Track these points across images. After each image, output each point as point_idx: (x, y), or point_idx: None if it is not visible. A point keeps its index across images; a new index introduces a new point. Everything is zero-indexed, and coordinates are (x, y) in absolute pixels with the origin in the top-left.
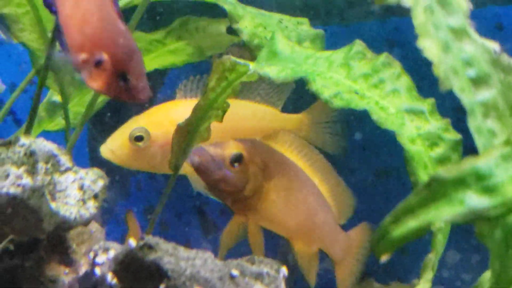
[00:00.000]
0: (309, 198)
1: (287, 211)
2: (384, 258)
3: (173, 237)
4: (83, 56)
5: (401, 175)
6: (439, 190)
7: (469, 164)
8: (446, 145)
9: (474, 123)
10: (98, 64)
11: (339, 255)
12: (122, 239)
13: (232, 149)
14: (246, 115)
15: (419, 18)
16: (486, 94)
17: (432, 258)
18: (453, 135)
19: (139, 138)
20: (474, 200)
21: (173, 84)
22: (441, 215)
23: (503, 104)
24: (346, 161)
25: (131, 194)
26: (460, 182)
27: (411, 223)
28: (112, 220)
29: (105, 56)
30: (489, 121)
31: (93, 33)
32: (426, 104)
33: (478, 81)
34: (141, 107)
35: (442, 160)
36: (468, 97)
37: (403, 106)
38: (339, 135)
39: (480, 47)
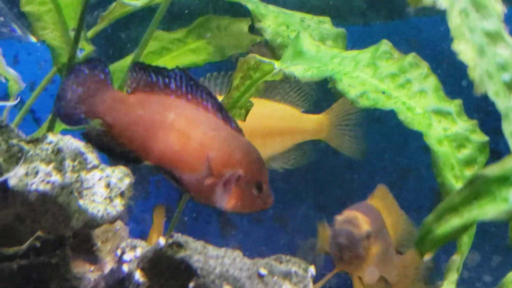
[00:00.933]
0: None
1: (384, 265)
2: (427, 256)
3: (191, 237)
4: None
5: (422, 176)
6: (482, 188)
7: None
8: (473, 146)
9: (509, 127)
10: (237, 180)
11: (394, 278)
12: (141, 238)
13: (365, 226)
14: (265, 114)
15: (454, 21)
16: None
17: (457, 260)
18: (481, 137)
19: None
20: None
21: None
22: (485, 213)
23: None
24: (368, 161)
25: (150, 193)
26: (504, 180)
27: (455, 221)
28: (131, 219)
29: (241, 171)
30: None
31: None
32: (453, 105)
33: None
34: None
35: (469, 162)
36: (503, 102)
37: (430, 106)
38: (358, 138)
39: None
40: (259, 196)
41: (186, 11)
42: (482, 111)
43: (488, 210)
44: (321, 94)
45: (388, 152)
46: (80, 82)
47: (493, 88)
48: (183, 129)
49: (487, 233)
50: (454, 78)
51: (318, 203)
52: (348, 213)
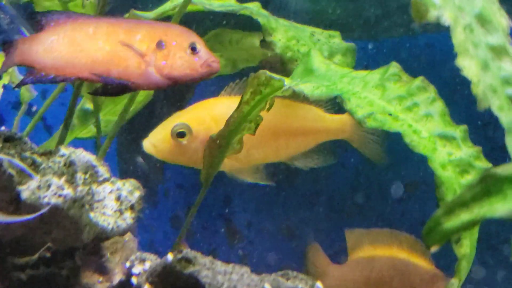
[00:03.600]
0: None
1: None
2: (434, 249)
3: (199, 246)
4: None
5: (428, 190)
6: (493, 186)
7: None
8: (476, 173)
9: None
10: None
11: None
12: (149, 248)
13: None
14: (289, 114)
15: (458, 37)
16: None
17: (455, 284)
18: (484, 164)
19: (181, 134)
20: None
21: (204, 95)
22: (495, 210)
23: None
24: (375, 174)
25: (159, 202)
26: None
27: (464, 216)
28: (139, 227)
29: (163, 37)
30: None
31: None
32: (459, 131)
33: None
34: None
35: None
36: (507, 116)
37: (436, 131)
38: (380, 142)
39: None
40: (196, 56)
41: (198, 24)
42: (491, 126)
43: (498, 208)
44: None
45: (395, 165)
46: None
47: (497, 103)
48: (105, 33)
49: (492, 248)
50: (462, 95)
51: (325, 213)
52: None
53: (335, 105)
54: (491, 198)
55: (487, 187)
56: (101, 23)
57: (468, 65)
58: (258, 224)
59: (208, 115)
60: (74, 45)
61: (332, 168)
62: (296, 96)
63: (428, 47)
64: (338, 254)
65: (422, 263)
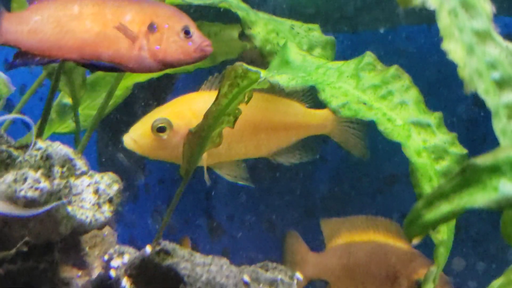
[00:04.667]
0: None
1: None
2: (415, 241)
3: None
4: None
5: (409, 183)
6: (473, 176)
7: (505, 152)
8: (451, 159)
9: (499, 125)
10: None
11: None
12: (129, 242)
13: None
14: (270, 109)
15: (443, 21)
16: (510, 96)
17: (434, 271)
18: (459, 149)
19: (161, 129)
20: (508, 187)
21: (183, 89)
22: (475, 201)
23: None
24: (355, 167)
25: (139, 197)
26: (495, 170)
27: (444, 208)
28: (120, 223)
29: (155, 19)
30: None
31: None
32: (433, 118)
33: (503, 84)
34: (148, 110)
35: (447, 174)
36: (493, 99)
37: (410, 118)
38: (362, 136)
39: (504, 50)
40: (190, 40)
41: None
42: (469, 119)
43: (478, 198)
44: None
45: (375, 158)
46: None
47: (483, 86)
48: (92, 13)
49: (473, 240)
50: (441, 86)
51: (306, 208)
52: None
53: (317, 100)
54: (470, 188)
55: (467, 178)
56: (86, 2)
57: (454, 49)
58: (239, 217)
59: (189, 109)
60: (60, 26)
61: (312, 161)
62: (278, 91)
63: (408, 40)
64: (320, 246)
65: (399, 244)
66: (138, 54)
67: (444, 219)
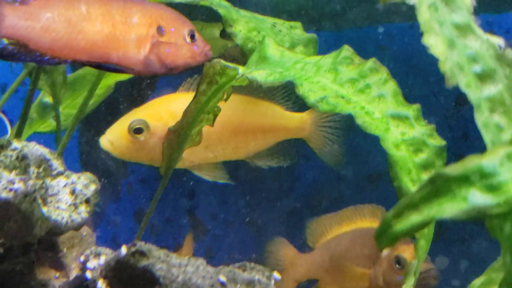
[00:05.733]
0: None
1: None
2: (385, 251)
3: (163, 241)
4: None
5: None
6: (443, 186)
7: (474, 162)
8: (430, 151)
9: (481, 118)
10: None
11: None
12: (112, 242)
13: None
14: (248, 111)
15: (423, 16)
16: (492, 89)
17: (414, 264)
18: (438, 141)
19: (138, 130)
20: (477, 197)
21: (165, 88)
22: (444, 211)
23: (510, 99)
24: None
25: (122, 197)
26: (464, 180)
27: (414, 218)
28: (102, 223)
29: (161, 23)
30: (496, 116)
31: None
32: (412, 110)
33: (484, 77)
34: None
35: (426, 166)
36: (475, 93)
37: (388, 111)
38: (338, 142)
39: (485, 43)
40: (195, 44)
41: None
42: (450, 116)
43: (447, 208)
44: None
45: (358, 157)
46: None
47: (464, 80)
48: (100, 13)
49: (455, 238)
50: (424, 83)
51: (290, 208)
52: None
53: (296, 102)
54: (440, 199)
55: (436, 187)
56: (92, 1)
57: (434, 43)
58: (222, 217)
59: (166, 111)
60: (71, 26)
61: (296, 161)
62: (257, 93)
63: (389, 37)
64: (303, 246)
65: None
66: (146, 57)
67: (414, 229)
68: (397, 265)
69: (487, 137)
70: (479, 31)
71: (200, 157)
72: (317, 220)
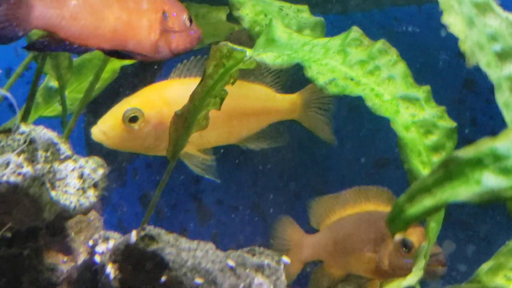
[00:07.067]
0: None
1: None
2: (398, 236)
3: (169, 225)
4: None
5: (399, 166)
6: (455, 169)
7: (487, 145)
8: (440, 132)
9: (501, 98)
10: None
11: None
12: (118, 227)
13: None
14: (240, 95)
15: None
16: None
17: (425, 247)
18: (448, 123)
19: (133, 119)
20: (491, 180)
21: (169, 73)
22: (458, 194)
23: None
24: (345, 151)
25: (127, 181)
26: (478, 162)
27: (427, 202)
28: (108, 207)
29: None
30: None
31: None
32: (422, 92)
33: (504, 56)
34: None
35: (436, 148)
36: (495, 72)
37: (398, 93)
38: (330, 121)
39: (505, 21)
40: (191, 28)
41: None
42: (458, 100)
43: (461, 191)
44: (297, 75)
45: (365, 141)
46: None
47: (484, 59)
48: (119, 1)
49: (462, 223)
50: (430, 67)
51: (294, 191)
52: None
53: (286, 85)
54: (453, 182)
55: (449, 171)
56: None
57: (453, 22)
58: (228, 202)
59: (159, 98)
60: (96, 13)
61: (301, 145)
62: (247, 76)
63: (397, 21)
64: (309, 231)
65: (388, 209)
66: (156, 42)
67: (427, 213)
68: (404, 249)
69: (508, 117)
70: (498, 9)
71: (195, 143)
72: (319, 200)
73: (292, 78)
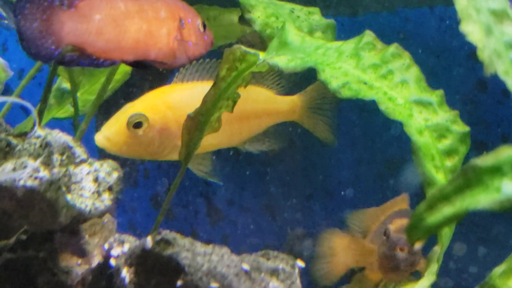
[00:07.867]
0: None
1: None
2: (418, 245)
3: (179, 226)
4: None
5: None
6: (475, 177)
7: (506, 152)
8: (454, 137)
9: None
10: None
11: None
12: (129, 228)
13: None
14: (242, 97)
15: (461, 3)
16: None
17: (438, 251)
18: (461, 127)
19: (138, 125)
20: (510, 187)
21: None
22: (478, 202)
23: None
24: (356, 152)
25: (138, 182)
26: (496, 170)
27: (447, 210)
28: (119, 208)
29: (181, 14)
30: None
31: None
32: (435, 96)
33: None
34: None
35: (449, 152)
36: None
37: (411, 97)
38: (330, 122)
39: None
40: (205, 34)
41: None
42: (469, 102)
43: (481, 199)
44: (298, 77)
45: (376, 142)
46: (32, 15)
47: (502, 68)
48: (136, 10)
49: (473, 224)
50: (442, 69)
51: (306, 193)
52: (401, 222)
53: (286, 86)
54: (473, 190)
55: (468, 179)
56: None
57: (471, 30)
58: (239, 203)
59: (163, 103)
60: (118, 26)
61: (312, 147)
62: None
63: (408, 22)
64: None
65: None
66: (175, 50)
67: (447, 222)
68: (384, 236)
69: None
70: None
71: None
72: (364, 211)
73: (292, 79)
